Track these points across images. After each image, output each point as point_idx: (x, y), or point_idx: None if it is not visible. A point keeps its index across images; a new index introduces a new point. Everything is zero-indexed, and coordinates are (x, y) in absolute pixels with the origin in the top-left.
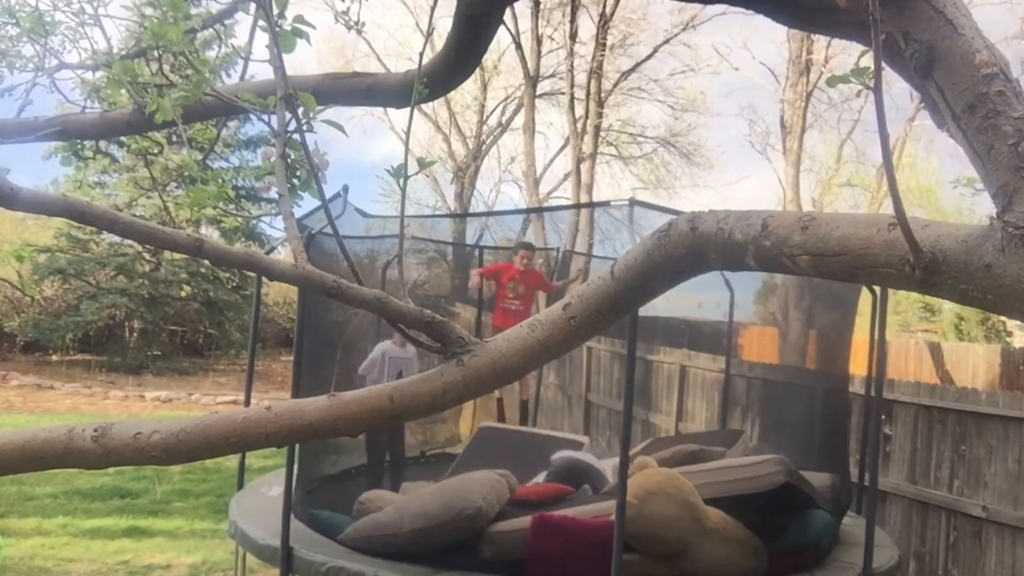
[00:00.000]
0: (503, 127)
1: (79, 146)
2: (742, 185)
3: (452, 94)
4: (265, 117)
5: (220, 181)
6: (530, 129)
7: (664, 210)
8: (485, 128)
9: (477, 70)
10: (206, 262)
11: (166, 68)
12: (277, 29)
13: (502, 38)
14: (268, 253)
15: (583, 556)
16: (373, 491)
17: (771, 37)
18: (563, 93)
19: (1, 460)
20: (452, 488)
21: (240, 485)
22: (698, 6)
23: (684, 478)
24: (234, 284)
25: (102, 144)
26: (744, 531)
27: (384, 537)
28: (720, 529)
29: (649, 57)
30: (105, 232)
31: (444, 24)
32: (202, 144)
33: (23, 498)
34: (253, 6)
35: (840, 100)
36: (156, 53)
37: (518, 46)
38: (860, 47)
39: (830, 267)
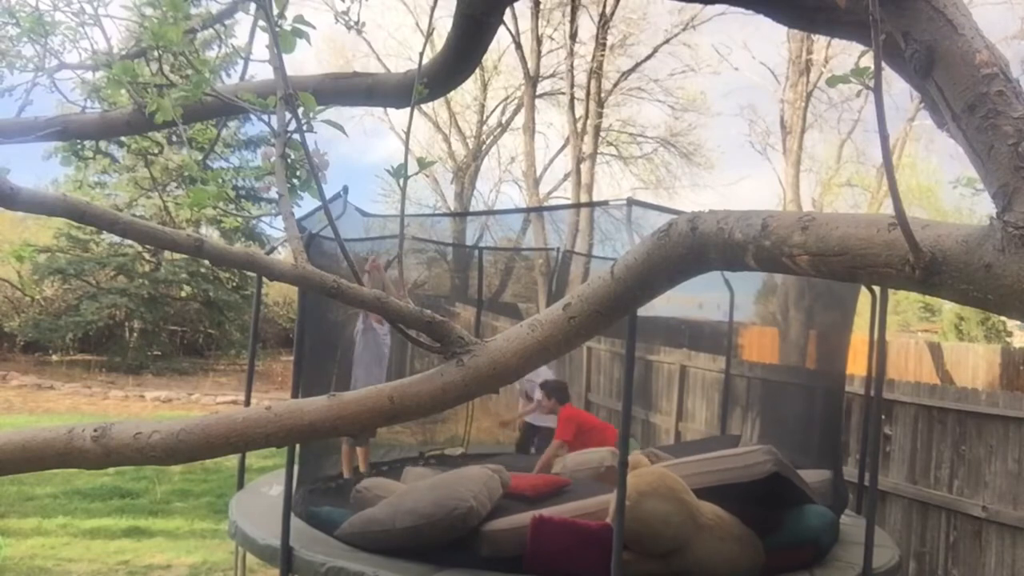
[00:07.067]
0: (503, 127)
1: (79, 146)
2: (742, 185)
3: (452, 94)
4: (265, 117)
5: (220, 181)
6: (530, 129)
7: (663, 210)
8: (485, 128)
9: (477, 70)
10: (206, 262)
11: (166, 68)
12: (277, 29)
13: (502, 38)
14: (268, 253)
15: (582, 556)
16: (371, 479)
17: (771, 37)
18: (563, 93)
19: (1, 460)
20: (444, 486)
21: (240, 485)
22: (698, 6)
23: (676, 475)
24: (234, 284)
25: (102, 144)
26: (740, 526)
27: (377, 533)
28: (715, 525)
29: (649, 57)
30: (105, 232)
31: (444, 24)
32: (202, 144)
33: (23, 498)
34: (253, 6)
35: (840, 100)
36: (156, 53)
37: (518, 46)
38: (860, 47)
39: (830, 267)
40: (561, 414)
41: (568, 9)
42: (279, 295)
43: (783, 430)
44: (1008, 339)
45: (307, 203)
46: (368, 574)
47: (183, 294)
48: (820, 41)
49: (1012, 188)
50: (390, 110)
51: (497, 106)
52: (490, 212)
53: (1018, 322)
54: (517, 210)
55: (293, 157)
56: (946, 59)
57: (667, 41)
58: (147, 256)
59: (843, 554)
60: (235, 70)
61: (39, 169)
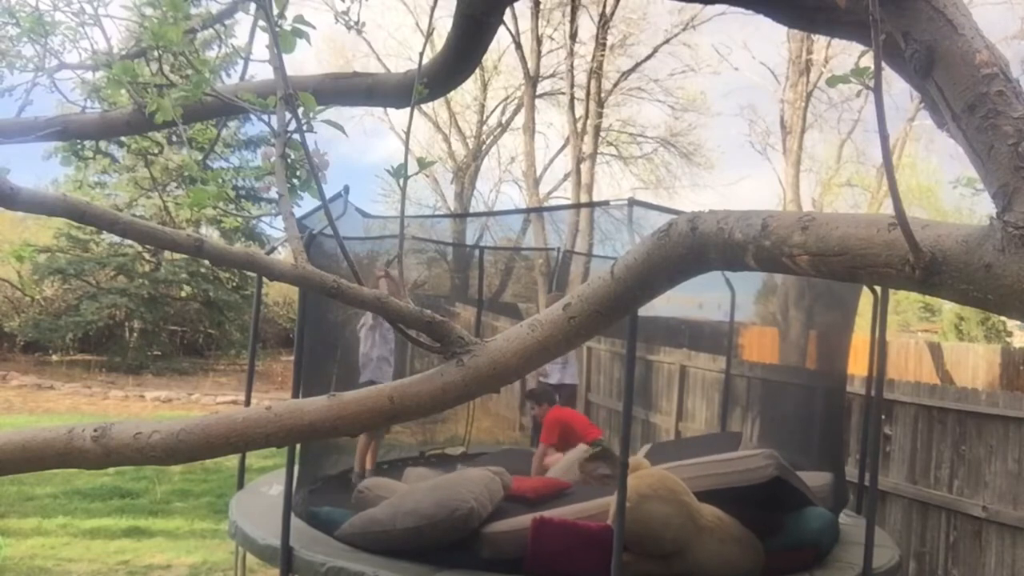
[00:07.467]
0: (503, 127)
1: (79, 146)
2: (742, 185)
3: (452, 94)
4: (265, 117)
5: (220, 181)
6: (530, 129)
7: (664, 210)
8: (485, 128)
9: (477, 70)
10: (206, 262)
11: (166, 68)
12: (277, 29)
13: (502, 38)
14: (268, 253)
15: (582, 557)
16: (372, 479)
17: (771, 37)
18: (563, 93)
19: (1, 460)
20: (446, 487)
21: (240, 485)
22: (698, 6)
23: (676, 477)
24: (234, 284)
25: (102, 144)
26: (740, 528)
27: (378, 534)
28: (715, 527)
29: (649, 57)
30: (105, 232)
31: (444, 24)
32: (202, 144)
33: (23, 498)
34: (253, 6)
35: (840, 100)
36: (156, 53)
37: (518, 46)
38: (860, 47)
39: (830, 267)
40: (546, 418)
41: (568, 9)
42: (279, 295)
43: (783, 430)
44: (1008, 339)
45: (307, 203)
46: (368, 574)
47: (183, 294)
48: (820, 41)
49: (1012, 188)
50: (390, 110)
51: (497, 106)
52: (490, 212)
53: (1018, 322)
54: (517, 210)
55: (293, 157)
56: (946, 59)
57: (667, 41)
58: (147, 256)
59: (843, 554)
60: (235, 70)
61: (39, 169)
